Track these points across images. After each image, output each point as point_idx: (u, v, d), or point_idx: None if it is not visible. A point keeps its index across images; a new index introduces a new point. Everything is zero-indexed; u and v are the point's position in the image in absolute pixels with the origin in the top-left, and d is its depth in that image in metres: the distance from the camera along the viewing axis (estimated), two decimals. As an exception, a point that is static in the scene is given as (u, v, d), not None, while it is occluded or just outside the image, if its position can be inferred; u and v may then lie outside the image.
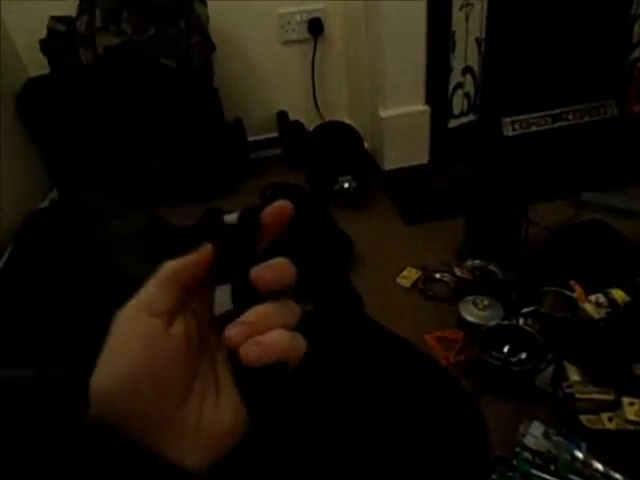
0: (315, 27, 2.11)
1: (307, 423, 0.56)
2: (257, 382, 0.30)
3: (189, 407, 0.29)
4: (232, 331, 0.30)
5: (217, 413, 0.30)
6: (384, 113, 1.97)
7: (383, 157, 2.05)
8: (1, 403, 0.64)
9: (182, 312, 0.32)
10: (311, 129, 2.12)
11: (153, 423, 0.28)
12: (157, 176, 1.95)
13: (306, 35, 2.12)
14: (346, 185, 1.85)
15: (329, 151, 1.97)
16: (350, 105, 2.29)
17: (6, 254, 1.57)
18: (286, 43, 2.14)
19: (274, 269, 0.33)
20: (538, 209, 1.75)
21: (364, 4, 1.87)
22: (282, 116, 2.21)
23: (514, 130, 2.14)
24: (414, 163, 2.06)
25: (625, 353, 1.16)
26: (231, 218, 0.38)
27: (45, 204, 1.93)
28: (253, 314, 0.31)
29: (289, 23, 2.10)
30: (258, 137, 2.28)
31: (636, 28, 2.10)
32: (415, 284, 1.53)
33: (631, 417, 1.02)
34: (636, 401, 1.04)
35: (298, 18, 2.09)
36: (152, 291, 0.32)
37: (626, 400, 1.05)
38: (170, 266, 0.34)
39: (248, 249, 0.36)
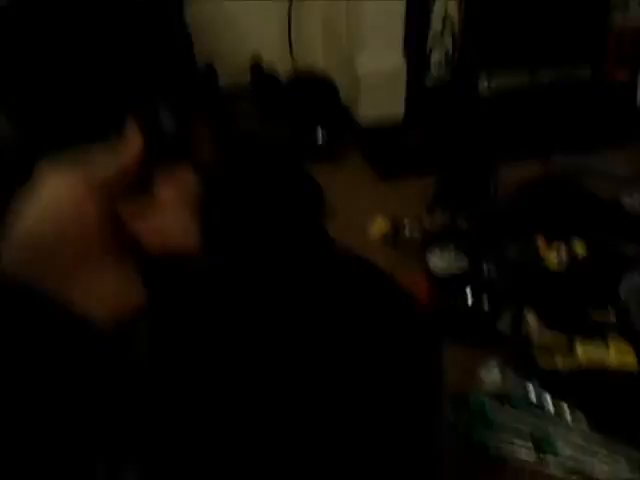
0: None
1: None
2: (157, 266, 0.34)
3: (99, 271, 0.31)
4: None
5: (120, 282, 0.33)
6: (361, 65, 1.94)
7: (358, 112, 2.02)
8: None
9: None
10: (286, 77, 2.07)
11: (67, 277, 0.29)
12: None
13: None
14: (320, 137, 1.83)
15: (304, 103, 1.94)
16: (326, 52, 2.24)
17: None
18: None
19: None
20: (508, 167, 1.78)
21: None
22: (256, 67, 2.15)
23: (490, 86, 2.13)
24: (389, 118, 2.05)
25: (580, 300, 1.20)
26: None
27: None
28: None
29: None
30: (232, 85, 2.21)
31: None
32: (385, 236, 1.55)
33: (582, 358, 1.07)
34: (587, 343, 1.09)
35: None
36: (102, 172, 0.34)
37: (578, 342, 1.10)
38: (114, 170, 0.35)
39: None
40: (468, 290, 1.27)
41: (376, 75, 1.95)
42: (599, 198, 1.55)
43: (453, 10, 1.99)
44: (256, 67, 2.15)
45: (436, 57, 2.05)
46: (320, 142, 1.83)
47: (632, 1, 2.17)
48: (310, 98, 1.96)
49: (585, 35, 2.16)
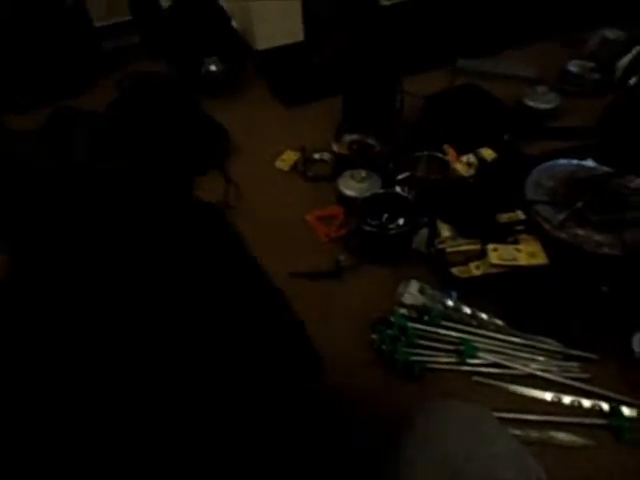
0: None
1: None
2: None
3: None
4: None
5: None
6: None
7: (254, 35, 1.85)
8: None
9: None
10: (167, 6, 1.84)
11: None
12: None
13: None
14: (213, 68, 1.66)
15: (190, 31, 1.74)
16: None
17: None
18: None
19: None
20: (415, 79, 1.70)
21: None
22: (132, -5, 1.89)
23: (390, -1, 2.02)
24: (289, 41, 1.90)
25: (491, 205, 1.20)
26: None
27: None
28: None
29: None
30: (109, 22, 1.96)
31: None
32: (295, 166, 1.46)
33: (495, 261, 1.08)
34: (498, 246, 1.10)
35: None
36: None
37: (490, 247, 1.10)
38: None
39: None
40: (382, 211, 1.23)
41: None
42: (503, 102, 1.53)
43: None
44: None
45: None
46: (213, 71, 1.66)
47: None
48: (197, 26, 1.76)
49: None
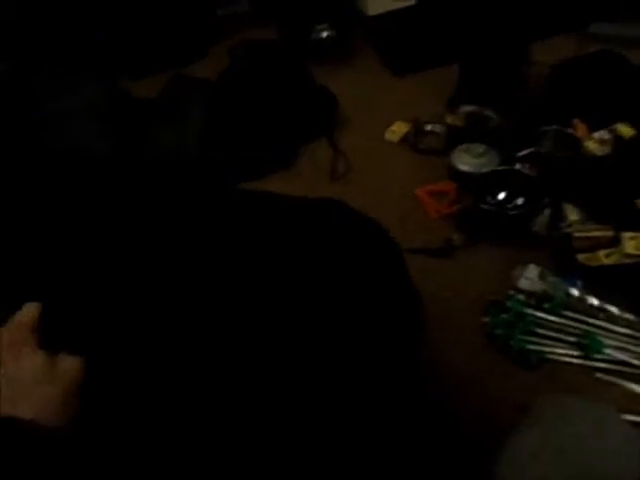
0: None
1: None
2: None
3: None
4: None
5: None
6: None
7: (366, 2, 1.79)
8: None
9: None
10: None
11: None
12: (111, 40, 1.72)
13: None
14: (324, 34, 1.64)
15: (302, -2, 1.72)
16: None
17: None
18: None
19: None
20: (540, 46, 1.56)
21: None
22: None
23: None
24: (400, 5, 1.81)
25: (628, 188, 1.08)
26: None
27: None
28: None
29: None
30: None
31: None
32: (405, 138, 1.42)
33: (630, 251, 0.98)
34: (637, 235, 0.99)
35: None
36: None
37: (626, 235, 1.00)
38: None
39: None
40: (500, 189, 1.16)
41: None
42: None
43: None
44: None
45: None
46: (324, 38, 1.64)
47: None
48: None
49: None
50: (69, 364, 0.43)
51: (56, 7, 1.66)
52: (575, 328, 0.96)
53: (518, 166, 1.19)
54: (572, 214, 1.07)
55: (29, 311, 0.44)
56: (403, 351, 0.64)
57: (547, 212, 1.11)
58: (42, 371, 0.41)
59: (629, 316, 0.97)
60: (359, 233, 0.75)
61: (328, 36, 1.66)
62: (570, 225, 1.05)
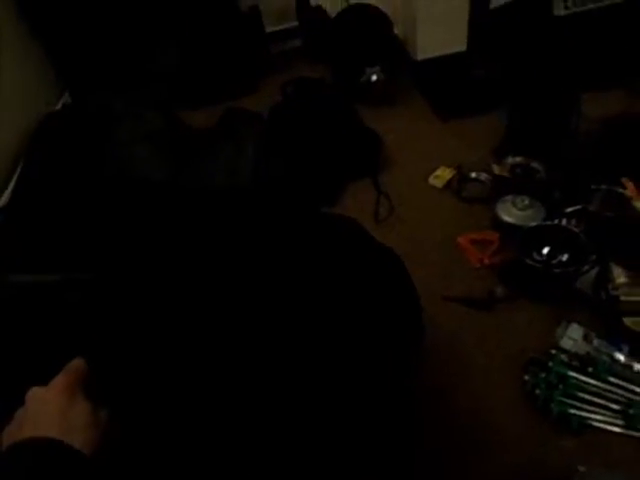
0: None
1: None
2: None
3: None
4: None
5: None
6: (417, -8, 1.73)
7: (415, 45, 1.84)
8: (29, 307, 0.64)
9: None
10: (334, 15, 1.90)
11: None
12: (172, 71, 1.81)
13: None
14: (374, 77, 1.68)
15: (354, 39, 1.77)
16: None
17: (21, 162, 1.52)
18: None
19: None
20: (590, 99, 1.56)
21: None
22: (302, 2, 1.98)
23: (566, 8, 1.86)
24: (450, 51, 1.85)
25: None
26: None
27: (58, 107, 1.84)
28: None
29: None
30: (277, 27, 2.07)
31: None
32: (449, 184, 1.43)
33: (681, 320, 0.96)
34: (688, 303, 0.97)
35: None
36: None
37: (677, 302, 0.98)
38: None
39: None
40: (545, 244, 1.15)
41: (434, 3, 1.74)
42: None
43: None
44: (302, 2, 1.98)
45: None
46: (374, 81, 1.68)
47: None
48: (360, 33, 1.79)
49: None
50: (104, 414, 0.51)
51: (116, 39, 1.77)
52: (620, 395, 0.94)
53: (564, 222, 1.19)
54: (620, 276, 1.05)
55: (79, 363, 0.52)
56: (397, 355, 0.70)
57: (593, 272, 1.10)
58: (91, 417, 0.49)
59: (678, 388, 0.94)
60: (367, 250, 0.83)
61: (378, 79, 1.70)
62: (617, 287, 1.03)
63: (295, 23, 2.05)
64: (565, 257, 1.14)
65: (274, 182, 1.45)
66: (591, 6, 1.89)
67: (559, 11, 1.88)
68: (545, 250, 1.16)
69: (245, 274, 0.69)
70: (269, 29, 2.04)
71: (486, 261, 1.21)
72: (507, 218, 1.23)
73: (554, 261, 1.14)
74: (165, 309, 0.65)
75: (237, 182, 1.45)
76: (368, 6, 1.90)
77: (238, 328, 0.63)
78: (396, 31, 1.90)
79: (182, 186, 1.40)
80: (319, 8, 1.99)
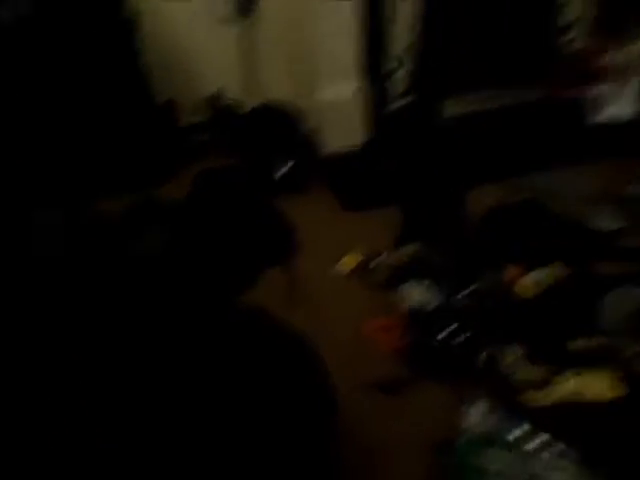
0: (247, 5, 2.01)
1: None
2: None
3: None
4: None
5: None
6: (319, 95, 1.91)
7: (321, 141, 1.99)
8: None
9: None
10: (246, 112, 2.02)
11: None
12: (81, 168, 1.81)
13: (239, 12, 2.02)
14: (284, 169, 1.78)
15: (264, 136, 1.89)
16: (287, 86, 2.20)
17: None
18: (219, 21, 2.02)
19: None
20: (475, 192, 1.76)
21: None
22: (214, 99, 2.10)
23: (452, 111, 2.13)
24: (353, 147, 2.02)
25: (560, 329, 1.17)
26: None
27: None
28: None
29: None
30: (193, 120, 2.15)
31: (564, 12, 2.16)
32: (355, 271, 1.49)
33: (566, 392, 1.03)
34: (571, 376, 1.05)
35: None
36: None
37: (562, 376, 1.06)
38: None
39: None
40: (445, 325, 1.22)
41: (337, 104, 1.93)
42: (567, 220, 1.53)
43: (411, 36, 1.99)
44: (214, 101, 2.10)
45: (397, 82, 2.05)
46: (284, 174, 1.78)
47: (575, 26, 2.23)
48: (270, 130, 1.92)
49: (539, 55, 2.21)
50: None
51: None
52: (523, 472, 0.97)
53: (461, 304, 1.27)
54: (511, 354, 1.13)
55: None
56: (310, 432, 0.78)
57: (489, 351, 1.16)
58: None
59: (572, 456, 0.99)
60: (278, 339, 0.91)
61: (287, 171, 1.80)
62: (510, 366, 1.10)
63: (210, 116, 2.15)
64: (463, 337, 1.20)
65: (186, 270, 1.44)
66: (472, 109, 2.17)
67: (446, 113, 2.15)
68: (445, 332, 1.22)
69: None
70: (185, 121, 2.11)
71: (393, 346, 1.24)
72: (409, 302, 1.30)
73: (453, 341, 1.19)
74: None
75: (146, 270, 1.42)
76: (278, 104, 2.05)
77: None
78: (305, 127, 2.05)
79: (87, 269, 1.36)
80: (229, 106, 2.11)
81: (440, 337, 1.19)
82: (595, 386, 1.04)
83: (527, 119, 2.13)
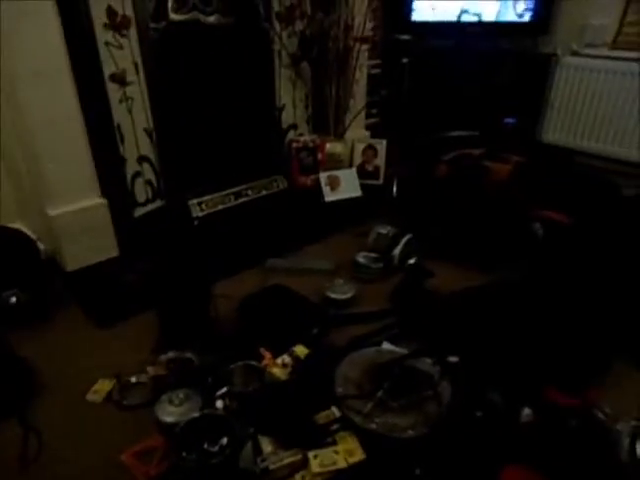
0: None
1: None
2: None
3: None
4: None
5: None
6: (54, 212, 1.79)
7: (63, 258, 1.84)
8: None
9: None
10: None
11: None
12: None
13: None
14: (13, 300, 1.58)
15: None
16: (16, 206, 2.01)
17: None
18: None
19: None
20: (231, 282, 1.84)
21: (2, 99, 1.70)
22: None
23: (202, 210, 2.23)
24: (102, 259, 1.92)
25: (307, 406, 1.25)
26: None
27: None
28: None
29: None
30: None
31: (283, 117, 2.52)
32: (109, 396, 1.37)
33: (316, 470, 1.10)
34: (318, 452, 1.13)
35: None
36: None
37: (310, 454, 1.12)
38: None
39: None
40: (205, 435, 1.19)
41: (76, 217, 1.83)
42: (308, 298, 1.70)
43: (146, 145, 2.05)
44: None
45: (141, 189, 2.06)
46: (14, 303, 1.57)
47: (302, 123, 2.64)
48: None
49: (272, 151, 2.52)
50: None
51: None
52: None
53: (219, 405, 1.27)
54: (267, 445, 1.16)
55: None
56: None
57: (249, 446, 1.17)
58: None
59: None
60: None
61: (21, 300, 1.61)
62: (265, 458, 1.13)
63: None
64: (225, 441, 1.19)
65: None
66: (220, 207, 2.31)
67: (196, 213, 2.24)
68: (205, 443, 1.19)
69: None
70: None
71: (152, 473, 1.16)
72: (166, 418, 1.24)
73: (214, 449, 1.17)
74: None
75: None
76: (7, 229, 1.85)
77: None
78: (42, 248, 1.88)
79: None
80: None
81: (196, 451, 1.15)
82: (338, 458, 1.12)
83: (272, 208, 2.36)
